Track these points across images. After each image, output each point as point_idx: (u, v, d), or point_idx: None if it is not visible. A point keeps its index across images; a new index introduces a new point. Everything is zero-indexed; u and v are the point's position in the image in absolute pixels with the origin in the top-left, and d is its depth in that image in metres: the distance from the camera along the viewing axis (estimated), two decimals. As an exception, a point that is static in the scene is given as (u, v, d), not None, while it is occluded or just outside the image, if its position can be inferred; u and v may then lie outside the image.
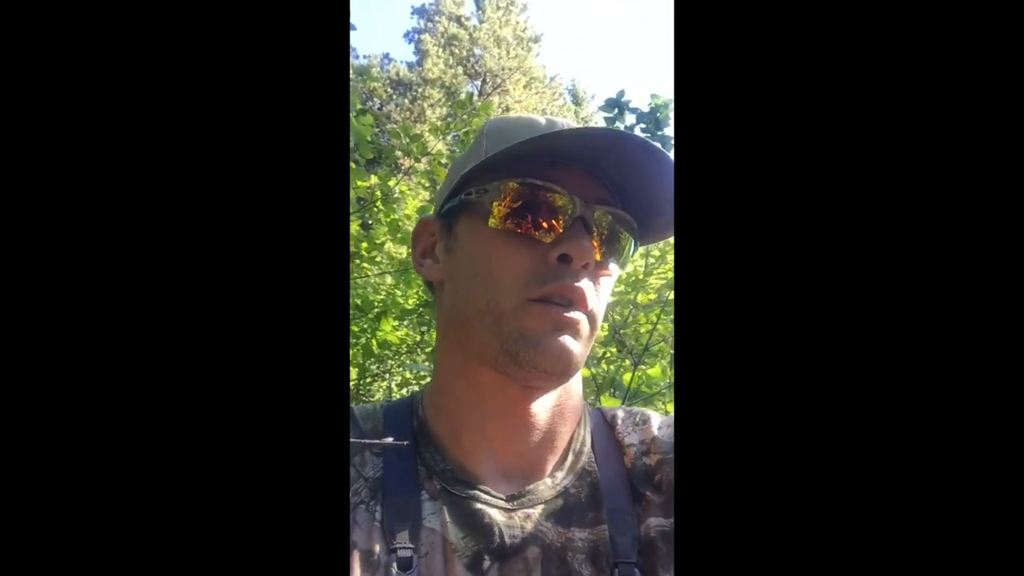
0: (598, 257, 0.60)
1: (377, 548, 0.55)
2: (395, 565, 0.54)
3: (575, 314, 0.58)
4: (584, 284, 0.58)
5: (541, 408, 0.62)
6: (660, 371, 2.30)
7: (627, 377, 2.28)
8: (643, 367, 2.37)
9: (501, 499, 0.59)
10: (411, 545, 0.55)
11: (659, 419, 0.67)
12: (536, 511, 0.59)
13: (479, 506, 0.58)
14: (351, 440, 0.61)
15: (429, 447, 0.62)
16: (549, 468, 0.62)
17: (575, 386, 0.65)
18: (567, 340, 0.57)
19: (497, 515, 0.58)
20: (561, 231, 0.58)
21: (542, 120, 0.62)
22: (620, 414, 0.68)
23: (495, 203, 0.59)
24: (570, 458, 0.63)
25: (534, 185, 0.58)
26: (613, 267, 0.63)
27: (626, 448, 0.65)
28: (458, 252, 0.63)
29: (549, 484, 0.61)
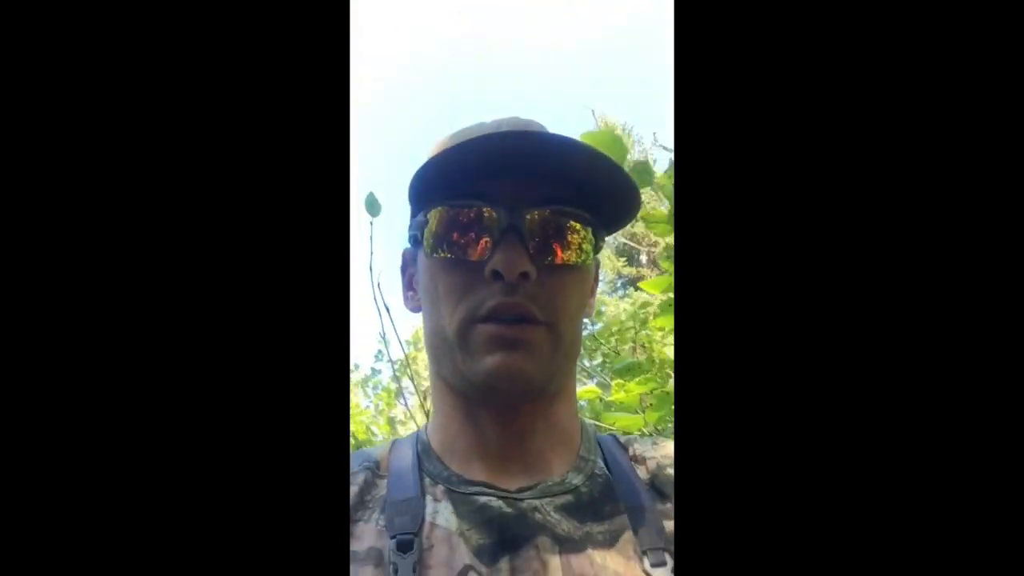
0: (530, 268, 0.55)
1: (379, 544, 0.55)
2: (394, 547, 0.53)
3: (524, 327, 0.56)
4: (528, 295, 0.56)
5: (531, 418, 0.61)
6: (657, 418, 2.27)
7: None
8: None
9: (508, 491, 0.58)
10: (412, 532, 0.54)
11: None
12: (545, 503, 0.57)
13: (485, 499, 0.58)
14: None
15: (432, 461, 0.63)
16: (555, 469, 0.61)
17: (564, 399, 0.64)
18: (516, 357, 0.56)
19: (504, 506, 0.57)
20: (491, 246, 0.56)
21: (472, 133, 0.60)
22: (635, 438, 0.68)
23: (427, 232, 0.59)
24: (578, 462, 0.62)
25: (456, 206, 0.57)
26: (578, 264, 0.59)
27: (645, 462, 0.63)
28: (418, 282, 0.65)
29: (557, 480, 0.60)
